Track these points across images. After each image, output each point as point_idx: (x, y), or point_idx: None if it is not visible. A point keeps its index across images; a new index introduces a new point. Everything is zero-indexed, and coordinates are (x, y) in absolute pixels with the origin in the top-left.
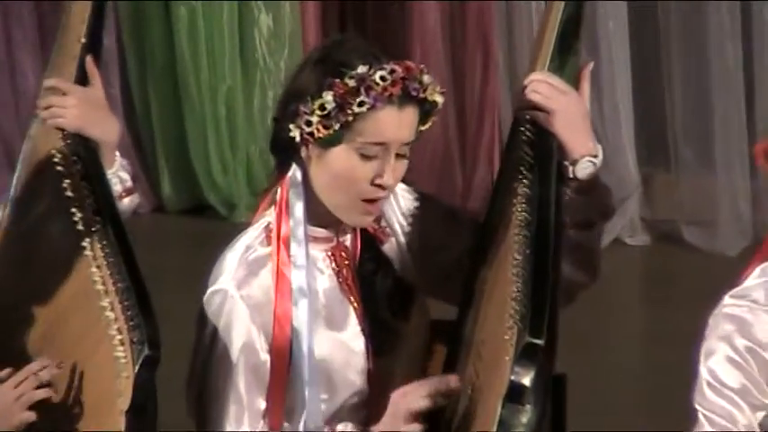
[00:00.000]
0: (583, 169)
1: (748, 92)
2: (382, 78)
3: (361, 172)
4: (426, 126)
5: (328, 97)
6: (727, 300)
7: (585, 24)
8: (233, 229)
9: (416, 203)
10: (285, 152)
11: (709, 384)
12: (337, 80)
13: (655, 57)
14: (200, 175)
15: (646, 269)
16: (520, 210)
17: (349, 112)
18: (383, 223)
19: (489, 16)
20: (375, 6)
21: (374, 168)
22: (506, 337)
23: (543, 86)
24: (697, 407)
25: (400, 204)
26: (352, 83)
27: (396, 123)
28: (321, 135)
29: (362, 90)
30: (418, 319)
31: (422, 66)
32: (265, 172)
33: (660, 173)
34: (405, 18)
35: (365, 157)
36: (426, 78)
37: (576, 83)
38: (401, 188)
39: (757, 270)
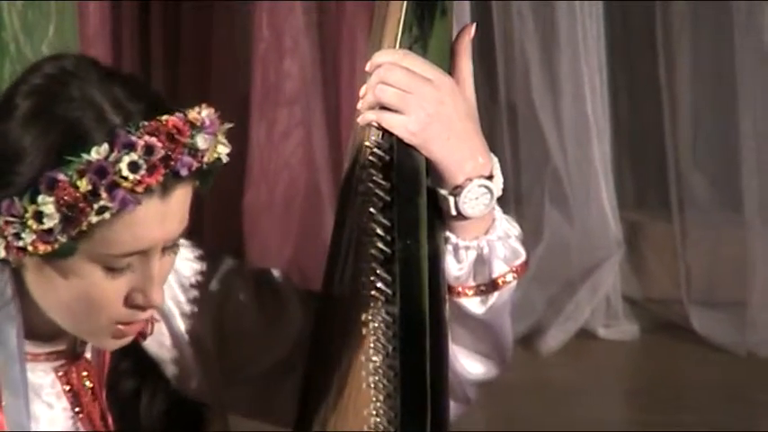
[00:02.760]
0: (472, 200)
1: None
2: (133, 167)
3: (111, 292)
4: (209, 184)
5: (48, 207)
6: None
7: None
8: None
9: (201, 266)
10: None
11: None
12: (60, 176)
13: (644, 35)
14: None
15: (633, 377)
16: (373, 279)
17: (84, 222)
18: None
19: None
20: None
21: (129, 284)
22: None
23: (396, 74)
24: None
25: (177, 269)
26: (84, 183)
27: (159, 220)
28: (40, 252)
29: (103, 191)
30: None
31: (192, 116)
32: None
33: (655, 222)
34: None
35: (114, 271)
36: (201, 139)
37: (450, 61)
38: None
39: None
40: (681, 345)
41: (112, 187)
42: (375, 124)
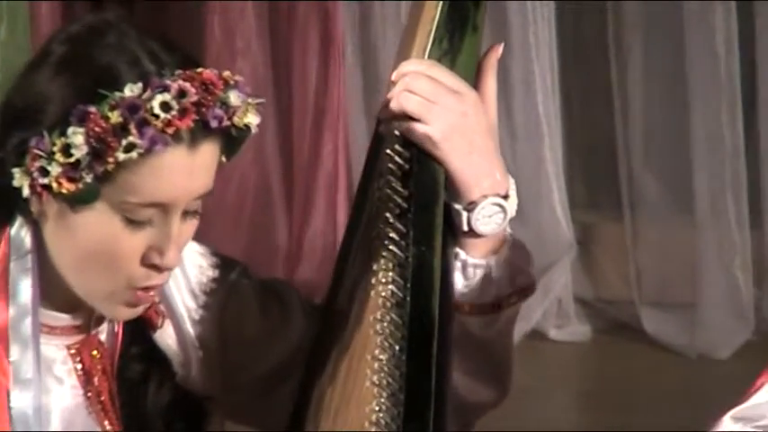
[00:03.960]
0: (485, 217)
1: (746, 98)
2: (165, 107)
3: (128, 247)
4: (233, 156)
5: (77, 137)
6: (727, 423)
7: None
8: None
9: (214, 273)
10: (6, 201)
11: None
12: (92, 108)
13: (597, 39)
14: None
15: (584, 378)
16: (384, 282)
17: (110, 160)
18: (157, 298)
19: None
20: None
21: (147, 240)
22: None
23: (422, 84)
24: None
25: (188, 273)
26: (116, 116)
27: (185, 172)
28: (64, 190)
29: (133, 126)
30: None
31: (226, 74)
32: None
33: (606, 224)
34: None
35: (134, 224)
36: (234, 96)
37: (476, 77)
38: (192, 248)
39: None
40: (632, 346)
41: (143, 124)
42: (397, 132)
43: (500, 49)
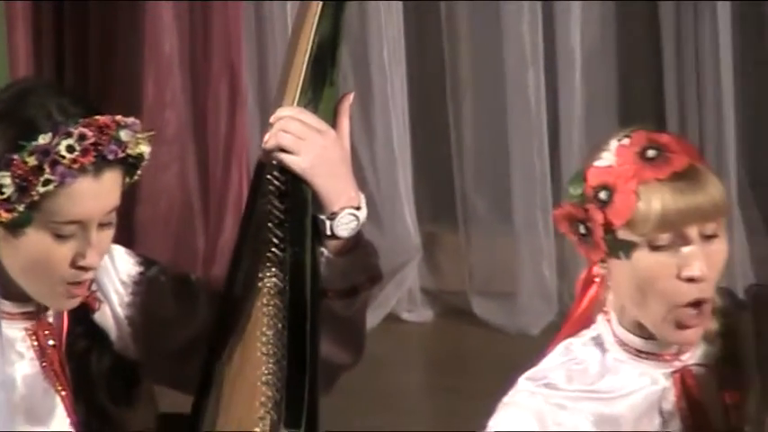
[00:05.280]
0: (343, 224)
1: (551, 129)
2: (69, 149)
3: (59, 255)
4: (135, 178)
5: (6, 179)
6: (521, 383)
7: (350, 48)
8: None
9: (139, 268)
10: None
11: None
12: (14, 156)
13: (438, 81)
14: None
15: (428, 351)
16: (269, 275)
17: (33, 193)
18: (94, 287)
19: (237, 43)
20: (100, 29)
21: (73, 249)
22: (257, 430)
23: (293, 125)
24: None
25: (118, 269)
26: (32, 160)
27: (93, 195)
28: (3, 219)
29: (47, 166)
30: (143, 406)
31: (118, 118)
32: None
33: (446, 233)
34: (136, 46)
35: (61, 238)
36: (124, 134)
37: (333, 119)
38: (120, 250)
39: (560, 347)
40: (464, 326)
41: (54, 164)
42: (275, 162)
43: (351, 96)
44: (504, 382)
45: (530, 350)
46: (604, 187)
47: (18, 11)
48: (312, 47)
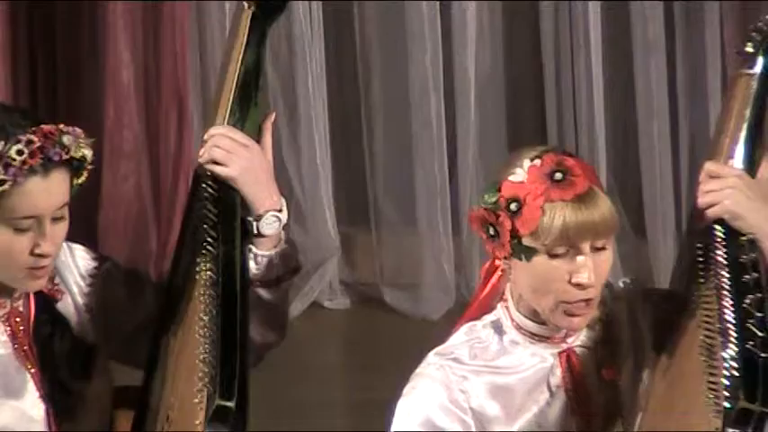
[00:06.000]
0: (268, 225)
1: (450, 145)
2: (19, 152)
3: (18, 246)
4: (82, 179)
5: None
6: (431, 357)
7: (279, 77)
8: None
9: (95, 264)
10: None
11: None
12: None
13: (354, 104)
14: None
15: (346, 334)
16: (205, 269)
17: None
18: (57, 280)
19: (184, 75)
20: (67, 63)
21: (31, 239)
22: (196, 401)
23: (224, 141)
24: None
25: (78, 264)
26: None
27: (44, 192)
28: None
29: (0, 168)
30: (100, 380)
31: (60, 126)
32: None
33: (360, 233)
34: (98, 76)
35: (20, 231)
36: (67, 138)
37: (258, 135)
38: (79, 249)
39: (464, 328)
40: (377, 312)
41: (7, 166)
42: (209, 173)
43: (272, 116)
44: (408, 360)
45: (431, 333)
46: (515, 200)
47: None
48: (239, 74)
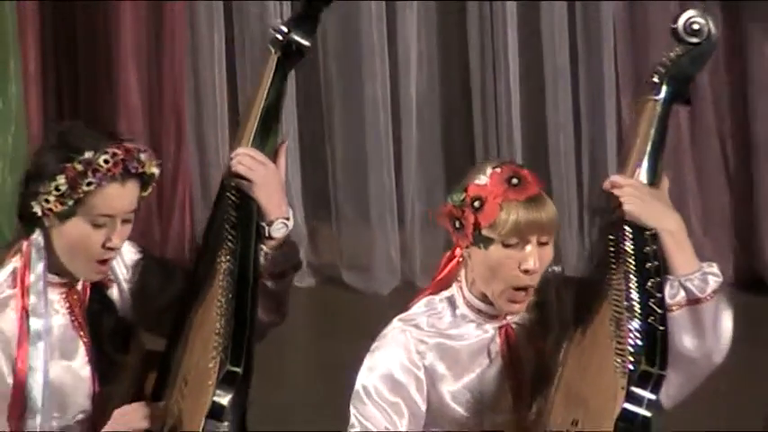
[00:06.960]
0: (277, 229)
1: (396, 155)
2: (105, 161)
3: (94, 238)
4: (147, 192)
5: (61, 180)
6: (395, 322)
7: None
8: None
9: (138, 256)
10: (30, 221)
11: (368, 394)
12: (69, 165)
13: (319, 122)
14: None
15: (313, 308)
16: (225, 261)
17: (80, 191)
18: (109, 272)
19: (181, 94)
20: (87, 91)
21: (104, 234)
22: (210, 366)
23: (247, 159)
24: (353, 410)
25: (124, 257)
26: (80, 167)
27: (120, 197)
28: (58, 210)
29: (89, 173)
30: (135, 351)
31: (140, 146)
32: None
33: (324, 226)
34: (112, 100)
35: (96, 226)
36: (143, 156)
37: (274, 157)
38: (127, 244)
39: (424, 300)
40: (337, 290)
41: (95, 172)
42: (233, 184)
43: (286, 143)
44: (362, 328)
45: (381, 306)
46: (479, 198)
47: (31, 76)
48: (263, 108)
